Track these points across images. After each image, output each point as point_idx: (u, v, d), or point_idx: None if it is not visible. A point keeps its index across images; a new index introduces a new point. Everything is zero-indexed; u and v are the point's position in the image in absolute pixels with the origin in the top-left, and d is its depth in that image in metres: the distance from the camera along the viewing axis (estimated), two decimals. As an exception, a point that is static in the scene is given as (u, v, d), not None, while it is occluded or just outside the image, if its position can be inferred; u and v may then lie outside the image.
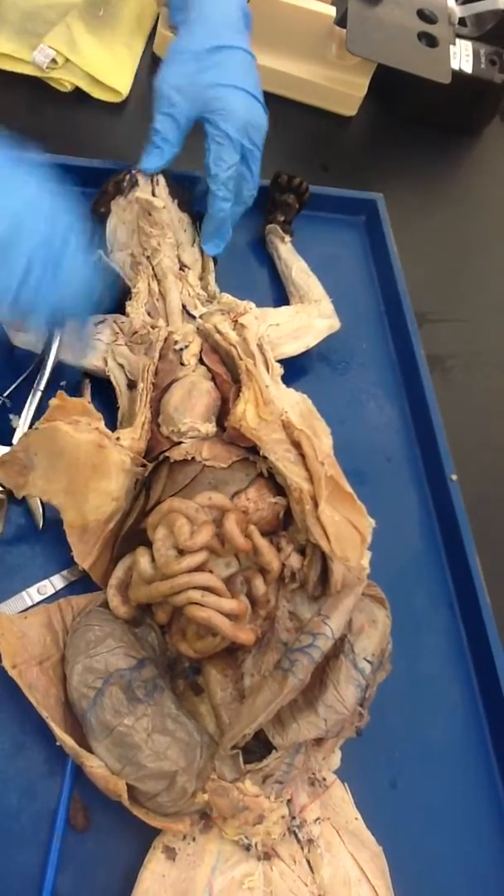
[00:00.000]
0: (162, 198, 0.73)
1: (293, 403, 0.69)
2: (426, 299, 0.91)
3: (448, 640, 0.70)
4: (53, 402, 0.57)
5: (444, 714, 0.67)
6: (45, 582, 0.62)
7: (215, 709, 0.57)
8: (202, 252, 0.76)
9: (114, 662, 0.55)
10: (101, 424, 0.58)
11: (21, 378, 0.67)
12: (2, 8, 0.91)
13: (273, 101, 0.99)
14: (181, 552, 0.55)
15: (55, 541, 0.62)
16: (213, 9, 0.72)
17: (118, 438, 0.59)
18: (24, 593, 0.61)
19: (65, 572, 0.63)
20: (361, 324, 0.86)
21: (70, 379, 0.69)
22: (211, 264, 0.77)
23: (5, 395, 0.67)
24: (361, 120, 1.05)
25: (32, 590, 0.62)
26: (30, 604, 0.61)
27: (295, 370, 0.76)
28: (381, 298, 0.88)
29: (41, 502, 0.63)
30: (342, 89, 1.01)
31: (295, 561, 0.61)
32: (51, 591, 0.62)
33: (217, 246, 0.75)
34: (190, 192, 0.77)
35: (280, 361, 0.71)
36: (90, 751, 0.53)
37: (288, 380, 0.70)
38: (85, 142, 0.88)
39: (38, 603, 0.61)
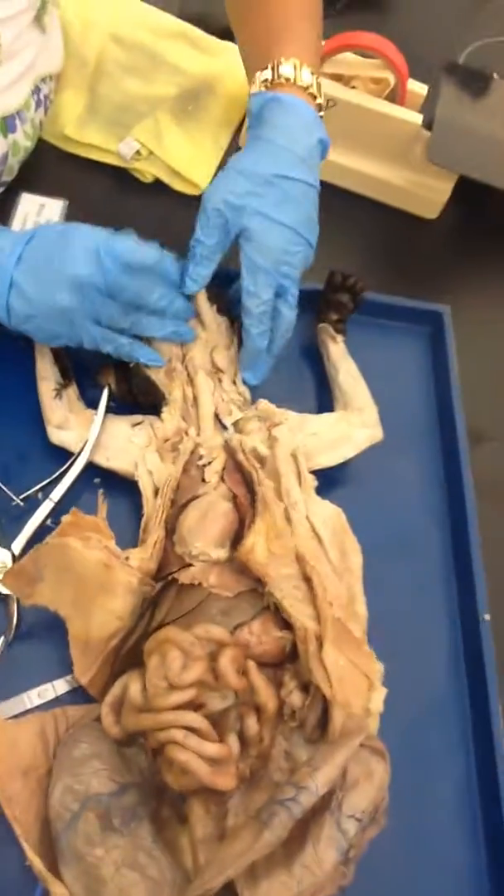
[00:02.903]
0: (200, 304, 0.73)
1: (326, 517, 0.68)
2: (483, 417, 0.88)
3: (457, 792, 0.66)
4: (66, 518, 0.57)
5: (447, 876, 0.63)
6: (48, 685, 0.62)
7: (193, 846, 0.56)
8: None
9: (95, 786, 0.55)
10: (112, 543, 0.59)
11: (52, 477, 0.68)
12: (95, 101, 0.94)
13: (351, 200, 1.00)
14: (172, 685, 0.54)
15: (64, 642, 0.62)
16: (283, 135, 0.69)
17: (127, 558, 0.59)
18: (24, 695, 0.61)
19: (69, 677, 0.62)
20: (410, 439, 0.83)
21: (103, 478, 0.70)
22: None
23: (30, 492, 0.68)
24: (442, 224, 1.03)
25: (33, 692, 0.62)
26: (28, 706, 0.61)
27: (330, 481, 0.74)
28: (436, 415, 0.85)
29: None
30: (424, 193, 1.00)
31: (296, 699, 0.59)
32: (51, 696, 0.62)
33: (255, 377, 0.74)
34: (227, 292, 0.76)
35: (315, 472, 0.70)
36: (60, 873, 0.52)
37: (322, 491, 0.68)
38: (159, 231, 0.90)
39: (37, 707, 0.61)
